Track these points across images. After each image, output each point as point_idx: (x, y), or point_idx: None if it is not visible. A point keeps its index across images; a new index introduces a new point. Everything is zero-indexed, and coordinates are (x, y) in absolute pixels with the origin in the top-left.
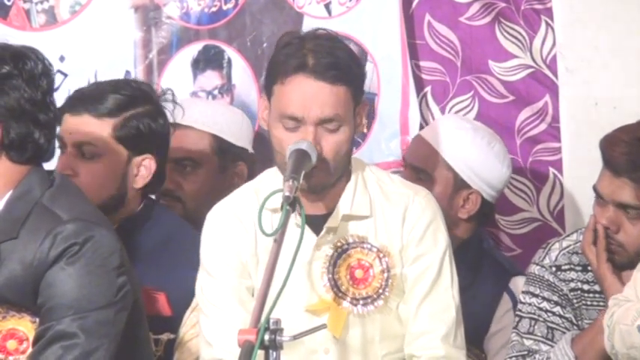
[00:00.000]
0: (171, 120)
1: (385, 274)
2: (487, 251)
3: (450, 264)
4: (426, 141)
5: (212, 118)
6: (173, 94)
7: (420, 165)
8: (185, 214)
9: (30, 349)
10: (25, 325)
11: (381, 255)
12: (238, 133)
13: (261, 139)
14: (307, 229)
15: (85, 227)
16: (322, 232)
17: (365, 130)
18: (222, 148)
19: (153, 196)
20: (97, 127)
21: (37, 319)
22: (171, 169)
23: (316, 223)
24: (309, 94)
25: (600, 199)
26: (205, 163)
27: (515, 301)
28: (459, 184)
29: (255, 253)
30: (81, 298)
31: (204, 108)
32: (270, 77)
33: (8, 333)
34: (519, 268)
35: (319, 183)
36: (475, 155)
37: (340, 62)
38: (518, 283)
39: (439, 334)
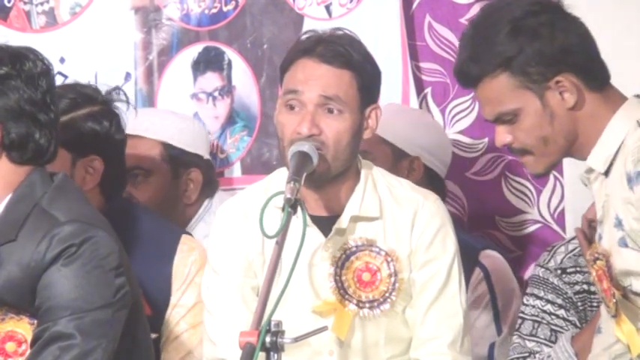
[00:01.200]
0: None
1: (392, 278)
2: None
3: (459, 270)
4: None
5: (161, 127)
6: (123, 93)
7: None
8: None
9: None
10: (24, 327)
11: (389, 259)
12: (190, 140)
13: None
14: (316, 230)
15: (82, 229)
16: (330, 234)
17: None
18: (172, 155)
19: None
20: None
21: (36, 321)
22: None
23: (325, 224)
24: (313, 74)
25: None
26: (156, 171)
27: (487, 272)
28: (398, 154)
29: (262, 252)
30: (78, 299)
31: (153, 117)
32: (282, 69)
33: (7, 335)
34: (488, 243)
35: (318, 173)
36: (405, 122)
37: (350, 52)
38: (487, 256)
39: (446, 341)
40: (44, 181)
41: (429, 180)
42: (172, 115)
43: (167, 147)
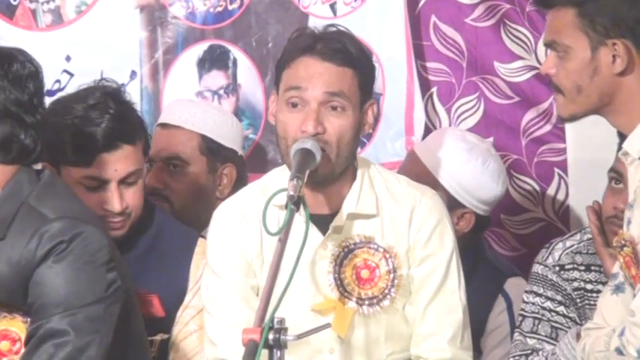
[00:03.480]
0: None
1: (391, 275)
2: (481, 255)
3: (457, 266)
4: (420, 160)
5: (201, 119)
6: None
7: None
8: (172, 214)
9: (23, 350)
10: (17, 326)
11: (388, 255)
12: (228, 135)
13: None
14: (314, 228)
15: (71, 225)
16: (328, 232)
17: (370, 130)
18: (211, 148)
19: None
20: (138, 156)
21: (29, 319)
22: (160, 169)
23: (323, 223)
24: (315, 72)
25: (618, 181)
26: (194, 162)
27: (509, 302)
28: (453, 204)
29: (260, 251)
30: (70, 295)
31: (193, 109)
32: (279, 66)
33: (0, 334)
34: (515, 270)
35: (322, 172)
36: (469, 177)
37: (349, 49)
38: (512, 285)
39: (446, 337)
40: (31, 179)
41: (476, 227)
42: (212, 108)
43: (206, 140)
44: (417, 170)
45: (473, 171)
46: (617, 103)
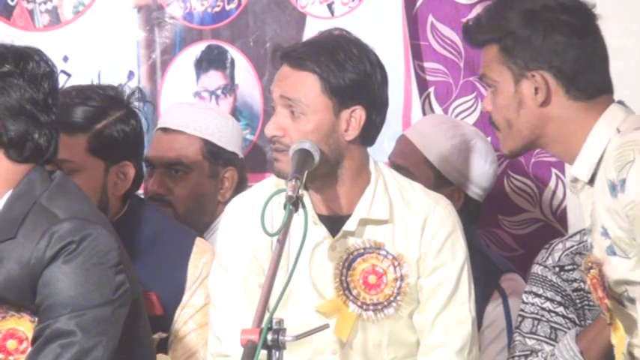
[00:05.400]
0: (144, 122)
1: (398, 283)
2: (478, 249)
3: (468, 277)
4: (408, 139)
5: (203, 123)
6: (142, 93)
7: (401, 162)
8: (175, 218)
9: (30, 349)
10: (25, 325)
11: (396, 263)
12: (229, 138)
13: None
14: (323, 229)
15: (81, 225)
16: (338, 235)
17: (354, 136)
18: (212, 152)
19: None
20: (71, 144)
21: (36, 319)
22: (162, 174)
23: (333, 224)
24: (279, 77)
25: None
26: (196, 167)
27: (505, 297)
28: (440, 181)
29: (270, 247)
30: (78, 296)
31: (195, 113)
32: None
33: (8, 333)
34: (510, 266)
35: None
36: (455, 151)
37: (316, 57)
38: (508, 280)
39: (454, 348)
40: (44, 179)
41: (466, 206)
42: (213, 112)
43: (207, 144)
44: (406, 149)
45: (459, 146)
46: (550, 134)
